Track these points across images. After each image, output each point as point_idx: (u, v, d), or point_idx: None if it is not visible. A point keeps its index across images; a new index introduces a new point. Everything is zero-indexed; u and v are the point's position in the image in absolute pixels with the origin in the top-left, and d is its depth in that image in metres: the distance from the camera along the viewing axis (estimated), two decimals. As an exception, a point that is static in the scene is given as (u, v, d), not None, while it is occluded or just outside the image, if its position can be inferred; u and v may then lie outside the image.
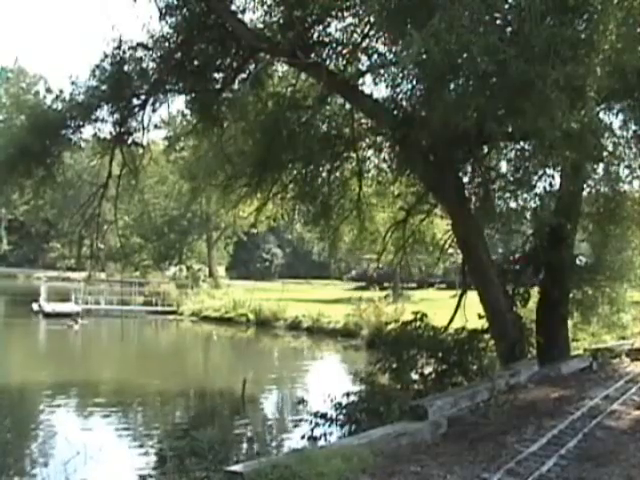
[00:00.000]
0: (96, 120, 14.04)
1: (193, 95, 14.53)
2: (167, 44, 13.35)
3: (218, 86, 14.24)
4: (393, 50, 10.60)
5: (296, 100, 14.60)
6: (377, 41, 11.86)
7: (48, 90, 57.21)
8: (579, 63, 7.75)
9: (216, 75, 14.24)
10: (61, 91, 14.40)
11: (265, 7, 12.81)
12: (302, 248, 60.45)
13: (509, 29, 8.44)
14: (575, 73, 7.68)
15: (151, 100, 14.16)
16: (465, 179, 13.24)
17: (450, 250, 18.09)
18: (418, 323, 13.55)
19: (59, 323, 32.22)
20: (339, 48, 12.75)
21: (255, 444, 12.39)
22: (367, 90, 13.12)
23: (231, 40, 13.35)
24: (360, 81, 13.23)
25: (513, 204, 12.22)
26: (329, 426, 11.50)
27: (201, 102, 14.36)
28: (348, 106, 14.69)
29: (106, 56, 13.39)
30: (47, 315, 34.98)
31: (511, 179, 12.01)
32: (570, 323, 15.77)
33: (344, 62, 12.99)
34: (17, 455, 11.68)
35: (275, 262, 77.42)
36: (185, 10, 13.05)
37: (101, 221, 16.32)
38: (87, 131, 14.61)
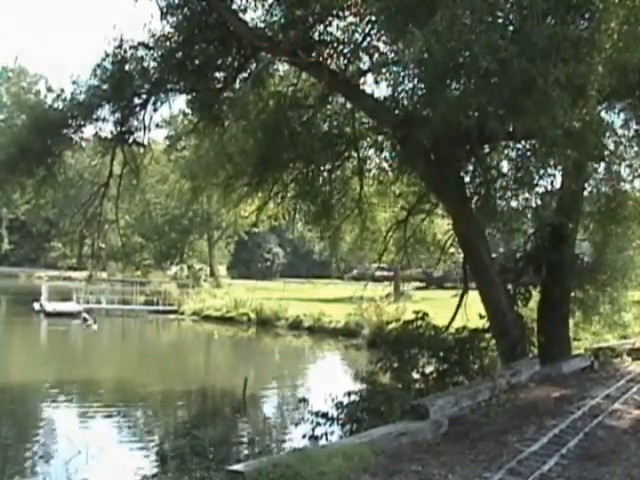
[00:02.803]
0: (97, 119, 14.07)
1: (194, 94, 14.54)
2: (168, 43, 13.36)
3: (219, 85, 14.25)
4: (394, 49, 10.60)
5: (297, 99, 14.61)
6: (378, 40, 11.85)
7: (49, 89, 57.05)
8: (581, 62, 7.73)
9: (217, 74, 14.24)
10: (62, 90, 14.46)
11: (266, 6, 12.82)
12: (303, 247, 60.45)
13: (511, 27, 8.42)
14: (577, 72, 7.67)
15: (152, 99, 14.19)
16: (466, 178, 13.24)
17: (451, 250, 18.10)
18: (419, 322, 13.58)
19: (65, 323, 32.24)
20: (340, 47, 12.76)
21: (256, 443, 12.38)
22: (368, 89, 13.18)
23: (232, 39, 13.35)
24: (361, 80, 13.27)
25: (514, 203, 12.23)
26: (330, 425, 11.47)
27: (202, 101, 14.36)
28: (349, 105, 14.69)
29: (107, 55, 13.43)
30: (48, 314, 35.00)
31: (512, 178, 12.01)
32: (571, 322, 15.77)
33: (345, 61, 13.00)
34: (19, 454, 11.68)
35: (276, 261, 77.46)
36: (186, 9, 13.06)
37: (102, 220, 16.36)
38: (88, 130, 14.68)
